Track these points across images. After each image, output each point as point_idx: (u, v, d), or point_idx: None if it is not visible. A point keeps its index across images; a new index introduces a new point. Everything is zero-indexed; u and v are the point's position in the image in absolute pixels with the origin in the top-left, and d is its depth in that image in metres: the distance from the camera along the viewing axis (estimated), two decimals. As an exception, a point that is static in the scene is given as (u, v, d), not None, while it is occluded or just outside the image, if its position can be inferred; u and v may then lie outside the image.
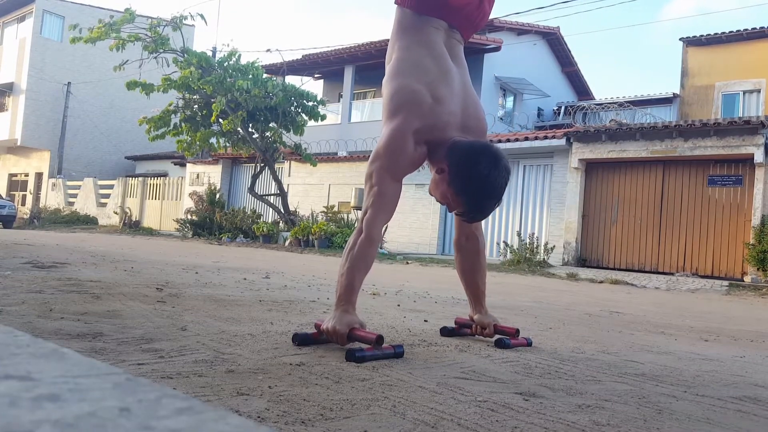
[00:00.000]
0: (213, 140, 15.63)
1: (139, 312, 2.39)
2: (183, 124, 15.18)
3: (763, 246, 9.43)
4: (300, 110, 14.97)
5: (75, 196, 24.03)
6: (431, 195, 2.21)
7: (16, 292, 2.69)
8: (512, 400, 1.44)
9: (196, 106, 15.13)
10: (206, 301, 2.92)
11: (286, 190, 15.70)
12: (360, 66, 18.89)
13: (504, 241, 11.92)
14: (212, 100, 14.21)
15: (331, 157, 16.64)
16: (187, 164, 20.54)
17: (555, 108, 20.58)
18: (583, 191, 12.07)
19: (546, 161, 12.67)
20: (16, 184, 27.94)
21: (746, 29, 16.20)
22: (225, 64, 14.61)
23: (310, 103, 14.95)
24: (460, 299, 4.12)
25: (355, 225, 2.68)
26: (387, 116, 2.13)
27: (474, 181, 2.00)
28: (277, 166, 16.37)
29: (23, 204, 26.18)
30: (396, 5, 2.32)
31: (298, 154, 15.32)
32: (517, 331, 2.35)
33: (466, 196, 2.04)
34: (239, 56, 14.71)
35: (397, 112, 2.09)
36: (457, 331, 2.43)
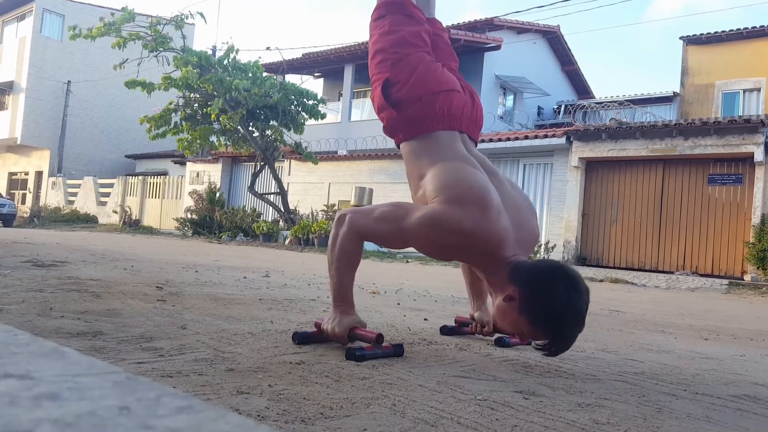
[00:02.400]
0: (213, 139, 15.63)
1: (139, 311, 2.39)
2: (183, 123, 15.18)
3: (763, 245, 9.44)
4: (300, 109, 14.97)
5: (75, 194, 24.02)
6: (496, 325, 1.96)
7: (16, 290, 2.69)
8: (512, 398, 1.44)
9: (196, 104, 15.13)
10: (206, 299, 2.92)
11: (286, 189, 15.70)
12: (360, 65, 18.87)
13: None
14: (210, 102, 14.19)
15: (331, 156, 16.63)
16: (187, 163, 20.54)
17: (555, 107, 20.57)
18: (583, 190, 12.07)
19: (546, 160, 12.67)
20: (16, 182, 27.94)
21: (746, 28, 16.19)
22: (224, 62, 14.61)
23: (310, 102, 14.95)
24: (460, 298, 4.12)
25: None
26: (444, 197, 1.83)
27: (553, 310, 1.68)
28: (277, 164, 16.37)
29: (23, 203, 26.17)
30: (399, 143, 2.15)
31: (298, 152, 15.32)
32: (517, 329, 2.35)
33: (546, 327, 1.71)
34: (237, 51, 14.70)
35: (457, 203, 1.81)
36: (457, 329, 2.43)
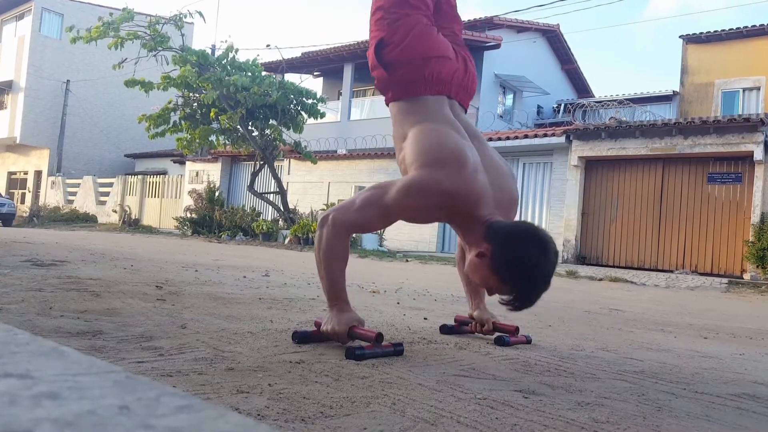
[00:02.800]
0: (212, 138, 15.62)
1: (139, 310, 2.39)
2: (183, 122, 15.17)
3: (763, 243, 9.44)
4: (299, 108, 14.96)
5: (74, 194, 24.01)
6: (469, 276, 2.03)
7: (16, 290, 2.68)
8: (512, 397, 1.44)
9: (195, 104, 15.12)
10: (206, 299, 2.92)
11: (285, 188, 15.70)
12: (359, 64, 18.86)
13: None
14: (204, 92, 14.14)
15: (330, 155, 16.63)
16: (187, 162, 20.53)
17: (555, 106, 20.57)
18: (583, 189, 12.07)
19: (546, 159, 12.67)
20: (15, 182, 27.92)
21: (746, 27, 16.19)
22: (223, 62, 14.60)
23: (310, 101, 14.95)
24: (460, 297, 4.12)
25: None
26: (418, 164, 1.91)
27: (522, 269, 1.79)
28: (276, 164, 16.36)
29: (22, 202, 26.15)
30: (389, 102, 2.19)
31: (297, 152, 15.31)
32: (517, 328, 2.35)
33: (513, 284, 1.81)
34: (237, 51, 14.69)
35: (433, 166, 1.88)
36: (457, 328, 2.44)
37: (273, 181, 15.66)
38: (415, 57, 2.09)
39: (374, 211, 1.93)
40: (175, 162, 22.81)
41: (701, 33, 16.91)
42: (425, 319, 2.82)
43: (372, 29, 2.19)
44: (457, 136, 1.98)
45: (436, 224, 13.95)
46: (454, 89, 2.16)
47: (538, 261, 1.78)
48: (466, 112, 2.27)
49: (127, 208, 20.00)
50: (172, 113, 15.18)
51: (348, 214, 1.94)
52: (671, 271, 10.55)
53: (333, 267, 1.94)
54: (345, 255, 1.97)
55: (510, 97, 19.29)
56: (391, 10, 2.13)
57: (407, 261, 10.18)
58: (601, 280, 8.64)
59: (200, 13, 14.35)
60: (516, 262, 1.79)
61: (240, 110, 14.06)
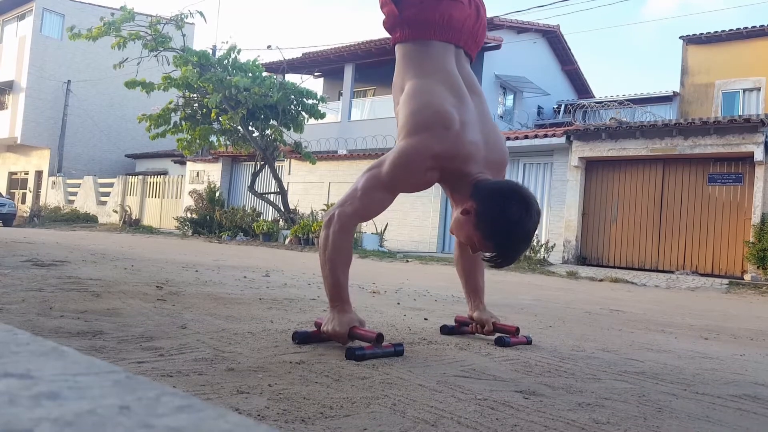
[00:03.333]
0: (213, 138, 15.63)
1: (139, 310, 2.39)
2: (183, 123, 15.18)
3: (763, 244, 9.43)
4: (300, 108, 14.96)
5: (75, 194, 24.02)
6: (452, 234, 2.07)
7: (16, 290, 2.68)
8: (512, 398, 1.44)
9: (196, 104, 15.12)
10: (206, 299, 2.92)
11: (286, 189, 15.70)
12: (360, 64, 18.88)
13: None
14: (207, 96, 14.16)
15: (331, 156, 16.63)
16: (187, 162, 20.53)
17: (555, 106, 20.57)
18: (583, 189, 12.07)
19: (546, 159, 12.67)
20: (16, 182, 27.94)
21: (746, 27, 16.19)
22: (225, 62, 14.60)
23: (310, 101, 14.95)
24: (460, 297, 4.12)
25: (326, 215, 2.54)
26: (407, 131, 1.96)
27: (504, 226, 1.84)
28: (277, 164, 16.36)
29: (23, 202, 26.17)
30: (396, 43, 2.20)
31: (298, 152, 15.32)
32: (517, 329, 2.35)
33: (495, 241, 1.88)
34: (239, 51, 14.70)
35: (420, 130, 1.93)
36: (457, 329, 2.43)
37: (273, 181, 15.66)
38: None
39: (377, 193, 1.96)
40: (175, 162, 22.82)
41: (701, 34, 16.91)
42: (425, 319, 2.82)
43: None
44: (446, 95, 2.00)
45: (436, 224, 13.96)
46: (463, 37, 2.17)
47: (520, 218, 1.83)
48: (472, 61, 2.29)
49: (128, 209, 20.00)
50: (173, 113, 15.19)
51: (353, 203, 1.96)
52: (672, 272, 10.54)
53: (337, 267, 1.94)
54: (349, 255, 1.98)
55: (510, 97, 19.29)
56: None
57: (407, 261, 10.18)
58: (601, 280, 8.64)
59: (201, 14, 14.35)
60: (498, 219, 1.84)
61: (241, 110, 14.06)
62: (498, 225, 1.85)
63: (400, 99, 2.08)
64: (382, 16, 2.24)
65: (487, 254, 1.93)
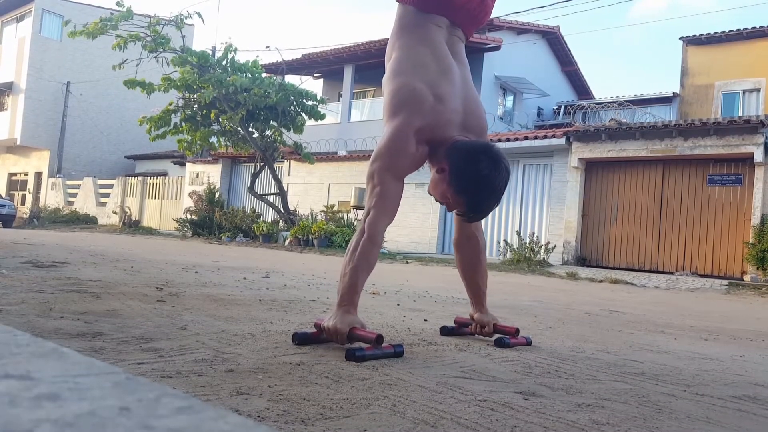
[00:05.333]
0: (213, 139, 15.63)
1: (139, 311, 2.39)
2: (183, 124, 15.19)
3: (763, 245, 9.44)
4: (300, 109, 14.97)
5: (74, 195, 24.02)
6: (430, 194, 2.19)
7: (16, 291, 2.68)
8: (512, 399, 1.44)
9: (196, 105, 15.13)
10: (206, 300, 2.92)
11: (285, 190, 15.70)
12: (360, 65, 18.88)
13: (504, 240, 11.92)
14: (202, 91, 14.15)
15: (330, 157, 16.63)
16: (187, 163, 20.54)
17: (555, 107, 20.58)
18: (583, 190, 12.07)
19: (546, 160, 12.68)
20: (15, 183, 27.93)
21: (746, 28, 16.21)
22: (223, 62, 14.61)
23: (310, 102, 14.95)
24: (460, 298, 4.12)
25: (356, 225, 2.57)
26: (388, 115, 2.11)
27: (474, 181, 2.00)
28: (276, 165, 16.37)
29: (23, 203, 26.16)
30: (398, 2, 2.29)
31: (297, 153, 15.32)
32: (517, 330, 2.35)
33: (466, 195, 2.03)
34: (236, 51, 14.71)
35: (398, 111, 2.07)
36: (457, 330, 2.43)
37: (273, 182, 15.66)
38: None
39: (387, 186, 2.03)
40: (175, 163, 22.83)
41: (701, 35, 16.92)
42: (425, 320, 2.82)
43: None
44: (425, 70, 2.12)
45: (436, 225, 13.96)
46: (461, 16, 2.26)
47: (489, 173, 1.99)
48: (468, 39, 2.37)
49: (128, 210, 20.00)
50: (173, 115, 15.19)
51: (374, 208, 2.02)
52: (671, 273, 10.54)
53: (359, 270, 1.97)
54: (373, 264, 2.03)
55: (510, 98, 19.30)
56: None
57: (407, 262, 10.18)
58: (601, 281, 8.64)
59: (199, 15, 14.38)
60: (469, 175, 2.00)
61: (240, 111, 14.06)
62: (468, 180, 2.00)
63: (384, 78, 2.21)
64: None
65: (459, 209, 2.10)
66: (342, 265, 2.01)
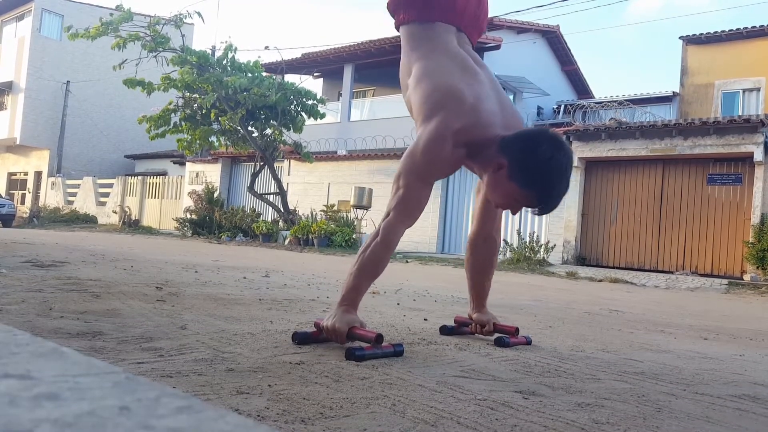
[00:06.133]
0: (213, 139, 15.63)
1: (139, 311, 2.39)
2: (183, 123, 15.19)
3: (763, 245, 9.44)
4: (299, 109, 14.97)
5: (74, 194, 24.02)
6: (489, 200, 2.06)
7: (16, 290, 2.68)
8: (512, 398, 1.44)
9: (195, 104, 15.13)
10: (206, 299, 2.92)
11: (285, 189, 15.70)
12: (359, 65, 18.88)
13: (504, 240, 11.92)
14: (203, 96, 14.16)
15: (330, 156, 16.63)
16: (187, 163, 20.53)
17: (555, 106, 20.57)
18: (583, 190, 12.07)
19: (545, 160, 12.66)
20: (15, 182, 27.93)
21: (746, 28, 16.20)
22: (223, 62, 14.61)
23: (310, 102, 14.95)
24: (460, 298, 4.12)
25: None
26: (423, 117, 1.98)
27: (540, 168, 1.85)
28: (276, 164, 16.36)
29: (22, 203, 26.16)
30: (401, 25, 2.24)
31: (297, 152, 15.31)
32: (517, 329, 2.35)
33: (535, 186, 1.88)
34: (236, 50, 14.71)
35: (435, 112, 1.94)
36: (457, 329, 2.43)
37: (273, 181, 15.66)
38: None
39: (416, 192, 1.97)
40: (175, 163, 22.82)
41: (701, 34, 16.92)
42: (425, 320, 2.82)
43: None
44: (455, 72, 2.04)
45: (436, 225, 13.96)
46: (465, 21, 2.22)
47: (552, 155, 1.84)
48: (473, 46, 2.33)
49: (127, 209, 20.00)
50: (173, 114, 15.19)
51: (397, 211, 1.96)
52: (671, 272, 10.55)
53: (364, 274, 1.95)
54: (381, 269, 2.00)
55: (510, 97, 19.21)
56: None
57: (407, 262, 10.18)
58: (601, 281, 8.64)
59: (199, 14, 14.38)
60: (533, 163, 1.85)
61: (240, 111, 14.06)
62: (533, 168, 1.85)
63: (409, 83, 2.10)
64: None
65: (530, 204, 1.92)
66: (351, 264, 1.99)
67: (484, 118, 1.96)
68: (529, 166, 1.86)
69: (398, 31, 2.30)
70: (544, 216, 12.59)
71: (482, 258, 2.38)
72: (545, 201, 1.91)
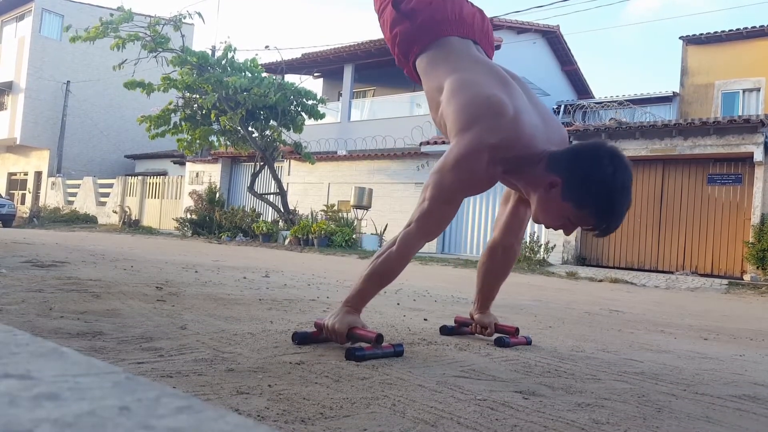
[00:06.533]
0: (213, 139, 15.63)
1: (139, 311, 2.39)
2: (183, 123, 15.19)
3: (763, 245, 9.44)
4: (299, 109, 14.97)
5: (74, 194, 24.03)
6: (538, 223, 1.88)
7: (16, 290, 2.68)
8: (512, 398, 1.44)
9: (195, 105, 15.14)
10: (206, 299, 2.92)
11: (285, 189, 15.71)
12: (359, 65, 18.88)
13: (503, 240, 11.91)
14: (203, 96, 14.18)
15: (330, 156, 16.63)
16: (187, 163, 20.54)
17: (555, 107, 20.56)
18: (583, 190, 12.07)
19: (545, 160, 12.66)
20: (15, 183, 27.93)
21: (746, 28, 16.20)
22: (222, 62, 14.61)
23: (310, 102, 14.96)
24: (460, 298, 4.12)
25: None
26: (457, 130, 1.81)
27: (599, 186, 1.69)
28: (276, 164, 16.37)
29: (23, 203, 26.17)
30: (417, 60, 2.11)
31: (297, 152, 15.32)
32: (517, 329, 2.35)
33: (593, 206, 1.72)
34: (235, 50, 14.73)
35: (471, 124, 1.78)
36: (457, 329, 2.43)
37: (273, 182, 15.67)
38: None
39: (443, 207, 1.85)
40: (175, 163, 22.83)
41: (701, 34, 16.92)
42: (425, 320, 2.82)
43: None
44: (491, 82, 1.89)
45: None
46: (477, 33, 2.14)
47: (614, 171, 1.69)
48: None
49: (127, 209, 20.01)
50: (173, 114, 15.20)
51: (420, 222, 1.86)
52: (671, 273, 10.55)
53: (374, 281, 1.92)
54: (393, 279, 1.94)
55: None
56: None
57: (407, 262, 10.16)
58: (601, 281, 8.64)
59: (200, 14, 14.40)
60: (589, 179, 1.70)
61: (240, 111, 14.07)
62: (591, 187, 1.70)
63: (442, 99, 1.94)
64: (395, 50, 2.16)
65: (587, 224, 1.76)
66: (364, 268, 1.94)
67: (526, 131, 1.79)
68: (588, 185, 1.70)
69: (416, 71, 2.14)
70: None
71: (499, 266, 2.35)
72: (606, 221, 1.75)
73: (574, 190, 1.72)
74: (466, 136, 1.77)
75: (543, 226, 1.86)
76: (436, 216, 1.85)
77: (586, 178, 1.70)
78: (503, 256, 2.32)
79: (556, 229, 1.89)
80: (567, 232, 1.86)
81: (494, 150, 1.75)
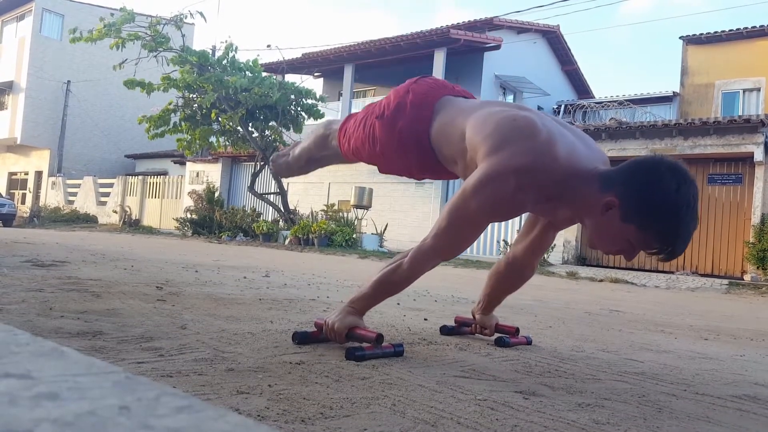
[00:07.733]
0: (213, 139, 15.64)
1: (139, 310, 2.39)
2: (183, 123, 15.20)
3: (763, 245, 9.44)
4: (299, 108, 14.98)
5: (75, 194, 24.04)
6: (594, 248, 1.74)
7: (16, 290, 2.68)
8: (512, 398, 1.44)
9: (195, 105, 15.14)
10: (206, 299, 2.92)
11: (285, 189, 15.71)
12: (360, 65, 18.88)
13: (504, 240, 11.92)
14: (203, 96, 14.18)
15: (330, 156, 16.61)
16: (187, 163, 20.55)
17: (555, 106, 20.58)
18: (583, 190, 12.07)
19: (546, 160, 12.66)
20: (15, 182, 27.94)
21: (746, 28, 16.20)
22: (223, 62, 14.62)
23: (310, 101, 14.96)
24: (460, 298, 4.12)
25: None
26: (484, 153, 1.67)
27: (663, 205, 1.53)
28: (277, 164, 16.35)
29: (23, 202, 26.17)
30: (429, 138, 1.97)
31: (297, 152, 15.29)
32: (517, 329, 2.35)
33: (657, 227, 1.56)
34: (236, 50, 14.73)
35: (500, 146, 1.63)
36: (457, 329, 2.43)
37: (273, 181, 15.68)
38: (408, 84, 2.08)
39: (462, 231, 1.75)
40: (175, 163, 22.84)
41: (701, 34, 16.92)
42: (425, 320, 2.82)
43: (360, 131, 2.14)
44: (520, 108, 1.80)
45: (436, 225, 13.95)
46: (457, 91, 2.12)
47: (678, 187, 1.53)
48: None
49: (128, 209, 20.01)
50: (173, 114, 15.20)
51: (436, 241, 1.78)
52: (672, 273, 10.55)
53: (382, 290, 1.91)
54: (400, 290, 1.92)
55: (510, 98, 19.30)
56: (362, 115, 2.17)
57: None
58: (601, 281, 8.64)
59: (201, 14, 14.42)
60: (653, 199, 1.54)
61: (240, 111, 14.07)
62: (654, 206, 1.54)
63: (467, 138, 1.78)
64: (408, 151, 2.06)
65: (651, 248, 1.60)
66: (374, 274, 1.93)
67: (562, 152, 1.63)
68: (650, 204, 1.54)
69: (432, 150, 2.00)
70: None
71: (514, 281, 2.31)
72: (672, 243, 1.57)
73: (635, 211, 1.56)
74: (491, 159, 1.64)
75: (600, 251, 1.73)
76: (453, 239, 1.76)
77: (647, 198, 1.55)
78: (520, 273, 2.26)
79: (615, 255, 1.73)
80: (628, 257, 1.69)
81: (524, 174, 1.60)
